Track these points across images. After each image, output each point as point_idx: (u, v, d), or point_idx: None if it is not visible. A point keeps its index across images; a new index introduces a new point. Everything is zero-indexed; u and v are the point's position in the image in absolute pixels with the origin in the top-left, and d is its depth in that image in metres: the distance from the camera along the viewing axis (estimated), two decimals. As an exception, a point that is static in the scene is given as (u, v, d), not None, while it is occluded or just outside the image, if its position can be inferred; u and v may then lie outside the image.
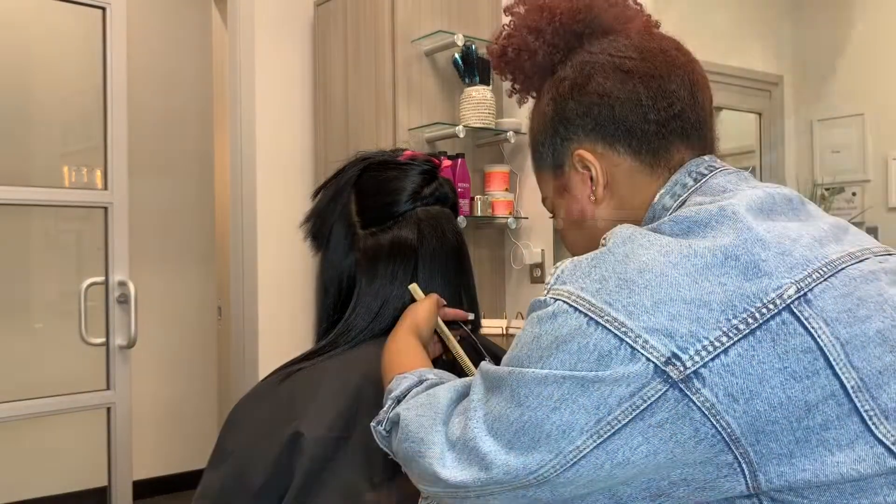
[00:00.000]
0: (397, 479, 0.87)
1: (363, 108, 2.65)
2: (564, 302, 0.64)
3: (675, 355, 0.59)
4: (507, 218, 2.60)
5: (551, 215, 0.87)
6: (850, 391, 0.60)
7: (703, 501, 0.62)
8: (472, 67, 2.54)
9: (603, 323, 0.61)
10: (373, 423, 0.81)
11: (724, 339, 0.59)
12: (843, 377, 0.60)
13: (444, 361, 1.02)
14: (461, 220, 2.40)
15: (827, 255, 0.64)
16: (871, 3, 2.45)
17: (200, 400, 4.32)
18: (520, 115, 2.57)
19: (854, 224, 0.74)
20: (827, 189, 2.46)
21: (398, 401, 0.80)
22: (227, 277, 3.30)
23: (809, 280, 0.62)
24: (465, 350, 1.00)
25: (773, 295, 0.60)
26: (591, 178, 0.79)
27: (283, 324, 2.86)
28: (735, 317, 0.60)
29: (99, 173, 2.72)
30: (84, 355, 2.84)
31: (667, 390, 0.59)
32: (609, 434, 0.61)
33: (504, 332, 2.42)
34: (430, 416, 0.73)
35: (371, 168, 1.06)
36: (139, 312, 2.70)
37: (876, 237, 0.73)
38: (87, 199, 2.90)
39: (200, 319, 4.33)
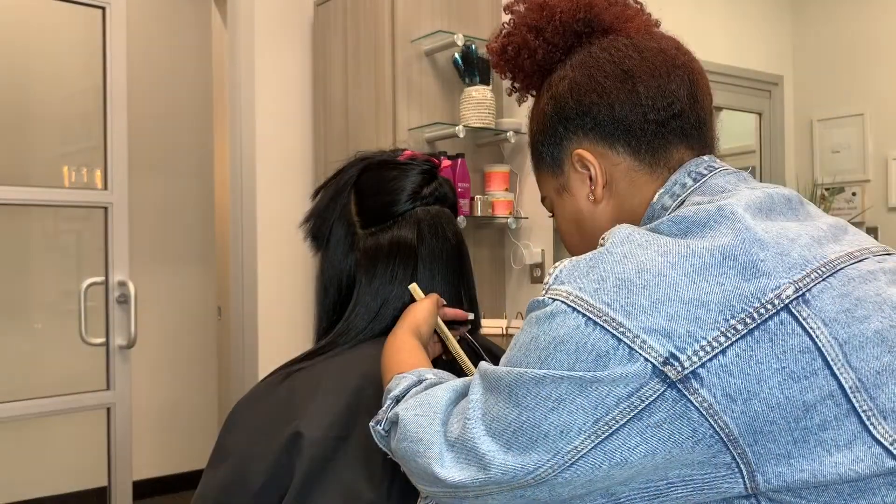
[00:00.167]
0: (397, 479, 0.87)
1: (363, 108, 2.65)
2: (562, 302, 0.64)
3: (672, 355, 0.59)
4: (507, 218, 2.60)
5: (550, 215, 0.87)
6: (849, 391, 0.59)
7: (701, 502, 0.62)
8: (472, 67, 2.54)
9: (601, 323, 0.61)
10: (372, 423, 0.81)
11: (722, 339, 0.59)
12: (841, 377, 0.60)
13: (444, 361, 1.02)
14: (461, 220, 2.40)
15: (825, 256, 0.64)
16: (871, 3, 2.45)
17: (200, 400, 4.32)
18: (520, 116, 2.57)
19: (854, 224, 0.74)
20: (827, 189, 2.46)
21: (397, 400, 0.80)
22: (227, 277, 3.30)
23: (808, 280, 0.62)
24: (464, 350, 1.00)
25: (771, 295, 0.60)
26: (591, 178, 0.79)
27: (283, 324, 2.87)
28: (733, 317, 0.60)
29: (99, 173, 2.72)
30: (84, 355, 2.84)
31: (665, 390, 0.59)
32: (607, 434, 0.61)
33: (504, 332, 2.42)
34: (428, 415, 0.73)
35: (371, 168, 1.06)
36: (139, 312, 2.70)
37: (876, 237, 0.73)
38: (86, 199, 2.90)
39: (200, 319, 4.34)
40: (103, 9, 2.64)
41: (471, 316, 1.05)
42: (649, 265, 0.63)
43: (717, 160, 0.78)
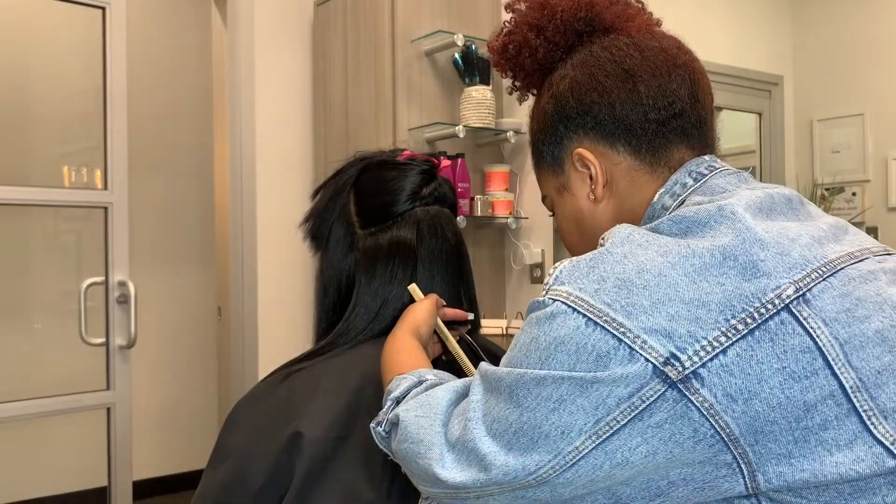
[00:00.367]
0: (397, 479, 0.87)
1: (363, 108, 2.65)
2: (563, 303, 0.63)
3: (673, 356, 0.59)
4: (507, 218, 2.60)
5: (551, 214, 0.87)
6: (849, 391, 0.59)
7: (702, 501, 0.62)
8: (472, 67, 2.54)
9: (601, 323, 0.61)
10: (372, 424, 0.81)
11: (723, 339, 0.59)
12: (841, 377, 0.60)
13: (444, 362, 1.02)
14: (461, 220, 2.40)
15: (826, 255, 0.64)
16: (871, 3, 2.45)
17: (200, 400, 4.32)
18: (520, 116, 2.57)
19: (854, 224, 0.73)
20: (827, 189, 2.46)
21: (398, 402, 0.80)
22: (227, 277, 3.30)
23: (808, 280, 0.62)
24: (464, 350, 1.00)
25: (771, 295, 0.60)
26: (591, 177, 0.79)
27: (283, 324, 2.87)
28: (734, 317, 0.60)
29: (99, 173, 2.72)
30: (84, 355, 2.84)
31: (665, 391, 0.59)
32: (608, 435, 0.61)
33: (504, 333, 2.42)
34: (429, 417, 0.73)
35: (370, 168, 1.06)
36: (139, 312, 2.70)
37: (876, 237, 0.73)
38: (86, 199, 2.90)
39: (200, 319, 4.34)
40: (103, 9, 2.64)
41: (471, 316, 1.05)
42: (650, 265, 0.63)
43: (718, 160, 0.78)
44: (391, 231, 1.02)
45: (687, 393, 0.59)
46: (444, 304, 1.01)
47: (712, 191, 0.73)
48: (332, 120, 2.82)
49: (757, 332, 0.59)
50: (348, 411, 0.91)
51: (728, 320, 0.60)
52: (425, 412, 0.74)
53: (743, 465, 0.60)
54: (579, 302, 0.63)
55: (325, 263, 1.05)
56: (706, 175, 0.75)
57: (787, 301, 0.60)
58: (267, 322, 2.86)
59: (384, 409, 0.81)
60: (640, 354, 0.60)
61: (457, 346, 0.99)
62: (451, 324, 1.02)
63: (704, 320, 0.60)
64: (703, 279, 0.61)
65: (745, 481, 0.60)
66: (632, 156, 0.77)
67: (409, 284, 0.99)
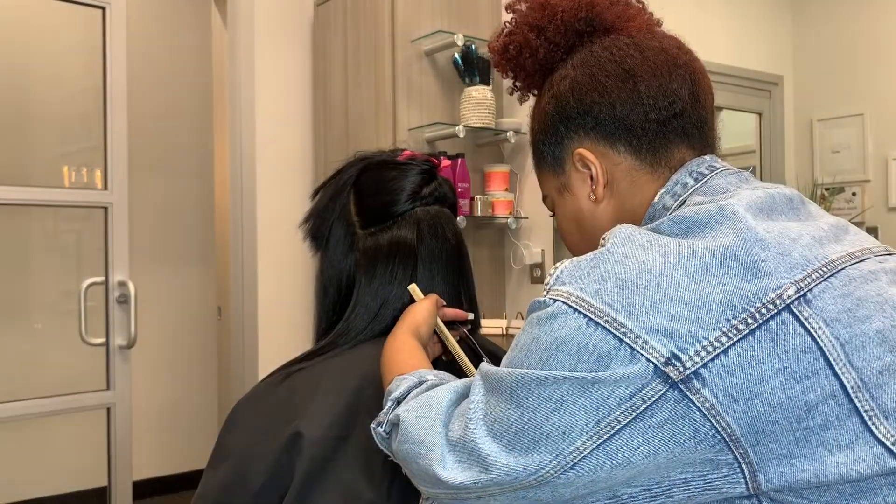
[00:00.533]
0: (397, 479, 0.87)
1: (363, 108, 2.65)
2: (563, 303, 0.63)
3: (674, 356, 0.59)
4: (507, 218, 2.60)
5: (551, 214, 0.87)
6: (850, 391, 0.59)
7: (703, 501, 0.62)
8: (472, 67, 2.54)
9: (602, 324, 0.61)
10: (373, 425, 0.81)
11: (724, 339, 0.59)
12: (842, 377, 0.59)
13: (444, 362, 1.02)
14: (461, 220, 2.40)
15: (827, 256, 0.64)
16: (871, 3, 2.45)
17: (200, 400, 4.32)
18: (520, 116, 2.57)
19: (854, 224, 0.73)
20: (827, 189, 2.46)
21: (398, 402, 0.80)
22: (227, 277, 3.30)
23: (809, 280, 0.62)
24: (464, 350, 1.00)
25: (772, 295, 0.60)
26: (592, 178, 0.79)
27: (283, 324, 2.87)
28: (735, 317, 0.60)
29: (99, 173, 2.72)
30: (84, 355, 2.84)
31: (667, 391, 0.59)
32: (609, 435, 0.61)
33: (504, 333, 2.42)
34: (430, 417, 0.73)
35: (370, 168, 1.06)
36: (139, 312, 2.70)
37: (876, 237, 0.73)
38: (87, 199, 2.90)
39: (200, 319, 4.34)
40: (103, 9, 2.64)
41: (471, 316, 1.05)
42: (650, 265, 0.63)
43: (719, 160, 0.78)
44: (391, 231, 1.02)
45: (688, 393, 0.59)
46: (445, 304, 1.01)
47: (713, 191, 0.73)
48: (332, 120, 2.82)
49: (758, 333, 0.59)
50: (348, 411, 0.91)
51: (729, 320, 0.60)
52: (426, 413, 0.74)
53: (744, 466, 0.60)
54: (580, 302, 0.63)
55: (325, 263, 1.05)
56: (707, 175, 0.75)
57: (789, 301, 0.60)
58: (267, 322, 2.86)
59: (385, 410, 0.81)
60: (642, 355, 0.60)
61: (457, 347, 0.99)
62: (451, 324, 1.02)
63: (705, 320, 0.60)
64: (705, 279, 0.61)
65: (747, 481, 0.60)
66: (632, 156, 0.77)
67: (409, 284, 0.99)
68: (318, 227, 1.06)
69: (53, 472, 3.82)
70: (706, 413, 0.59)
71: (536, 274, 2.64)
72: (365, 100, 2.64)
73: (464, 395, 0.74)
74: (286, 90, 2.92)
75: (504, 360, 0.69)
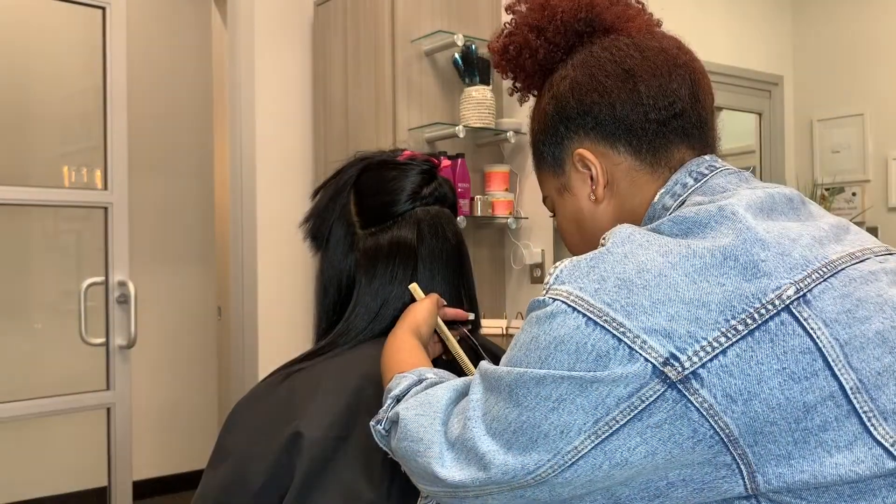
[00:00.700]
0: (397, 479, 0.87)
1: (363, 108, 2.65)
2: (563, 302, 0.63)
3: (673, 356, 0.59)
4: (507, 218, 2.60)
5: (552, 214, 0.87)
6: (849, 392, 0.59)
7: (701, 502, 0.62)
8: (472, 67, 2.54)
9: (601, 323, 0.61)
10: (372, 422, 0.81)
11: (723, 339, 0.59)
12: (841, 378, 0.59)
13: (444, 361, 1.02)
14: (461, 220, 2.40)
15: (827, 256, 0.64)
16: (871, 3, 2.45)
17: (200, 400, 4.32)
18: (520, 116, 2.57)
19: (854, 224, 0.73)
20: (827, 189, 2.46)
21: (398, 400, 0.80)
22: (227, 277, 3.30)
23: (809, 280, 0.62)
24: (464, 350, 1.00)
25: (772, 295, 0.60)
26: (592, 178, 0.79)
27: (283, 324, 2.87)
28: (734, 317, 0.60)
29: (99, 173, 2.72)
30: (84, 355, 2.84)
31: (665, 391, 0.59)
32: (607, 434, 0.61)
33: (504, 332, 2.42)
34: (429, 415, 0.73)
35: (370, 168, 1.06)
36: (139, 312, 2.70)
37: (876, 237, 0.73)
38: (87, 199, 2.90)
39: (200, 319, 4.34)
40: (103, 9, 2.64)
41: (471, 316, 1.05)
42: (650, 265, 0.63)
43: (719, 160, 0.78)
44: (391, 231, 1.02)
45: (686, 393, 0.59)
46: (445, 303, 1.01)
47: (713, 191, 0.73)
48: (332, 120, 2.82)
49: (757, 333, 0.59)
50: (348, 411, 0.91)
51: (728, 321, 0.60)
52: (425, 411, 0.74)
53: (742, 466, 0.60)
54: (579, 301, 0.63)
55: (325, 263, 1.05)
56: (707, 175, 0.75)
57: (788, 302, 0.60)
58: (267, 322, 2.86)
59: (384, 408, 0.81)
60: (640, 354, 0.60)
61: (457, 346, 0.99)
62: (451, 323, 1.02)
63: (704, 321, 0.60)
64: (704, 279, 0.61)
65: (745, 482, 0.60)
66: (632, 156, 0.77)
67: (409, 284, 0.99)
68: (319, 227, 1.06)
69: (53, 472, 3.82)
70: (704, 413, 0.59)
71: (536, 274, 2.64)
72: (365, 100, 2.64)
73: (463, 393, 0.74)
74: (286, 90, 2.92)
75: (503, 359, 0.69)
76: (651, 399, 0.59)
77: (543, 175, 0.86)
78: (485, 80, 2.55)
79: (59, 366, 3.47)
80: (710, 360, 0.59)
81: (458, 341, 1.01)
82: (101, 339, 2.69)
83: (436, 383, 0.80)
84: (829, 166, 2.48)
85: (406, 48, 2.53)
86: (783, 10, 2.64)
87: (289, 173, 2.91)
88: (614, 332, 0.61)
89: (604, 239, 0.68)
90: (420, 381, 0.81)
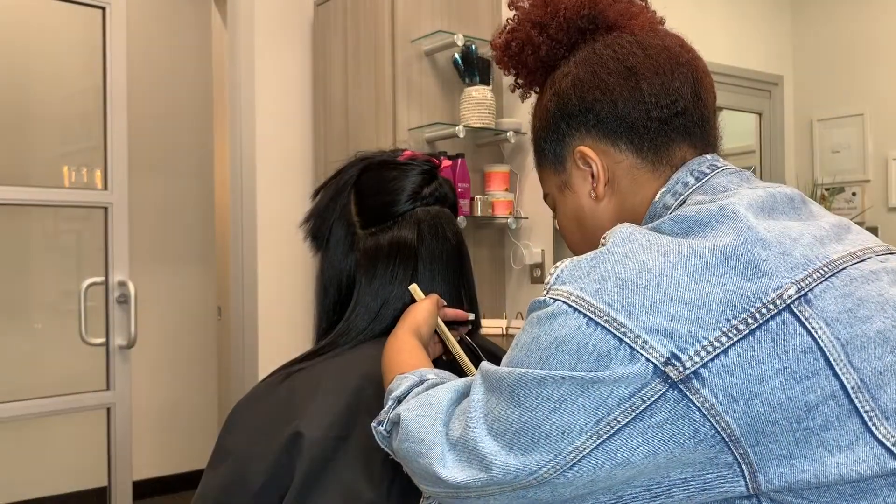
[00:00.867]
0: (397, 479, 0.87)
1: (363, 108, 2.65)
2: (563, 302, 0.63)
3: (674, 356, 0.59)
4: (507, 218, 2.60)
5: (553, 212, 0.87)
6: (851, 392, 0.59)
7: (702, 502, 0.62)
8: (472, 67, 2.54)
9: (602, 323, 0.61)
10: (373, 424, 0.81)
11: (724, 339, 0.59)
12: (843, 378, 0.59)
13: (444, 362, 1.02)
14: (461, 220, 2.40)
15: (828, 255, 0.64)
16: (871, 3, 2.45)
17: (200, 400, 4.32)
18: (520, 116, 2.57)
19: (855, 224, 0.73)
20: (827, 189, 2.46)
21: (399, 401, 0.80)
22: (227, 277, 3.30)
23: (810, 280, 0.62)
24: (464, 350, 1.00)
25: (773, 295, 0.60)
26: (593, 175, 0.79)
27: (283, 324, 2.86)
28: (735, 317, 0.59)
29: (99, 173, 2.72)
30: (84, 355, 2.84)
31: (666, 391, 0.59)
32: (609, 434, 0.60)
33: (504, 333, 2.42)
34: (430, 416, 0.73)
35: (371, 168, 1.05)
36: (139, 312, 2.70)
37: (876, 237, 0.73)
38: (86, 199, 2.90)
39: (200, 319, 4.33)
40: (103, 9, 2.63)
41: (471, 316, 1.05)
42: (651, 265, 0.63)
43: (720, 159, 0.78)
44: (392, 231, 1.02)
45: (688, 393, 0.59)
46: (445, 303, 1.01)
47: (714, 190, 0.73)
48: (332, 120, 2.82)
49: (758, 333, 0.59)
50: (348, 411, 0.90)
51: (729, 320, 0.59)
52: (426, 411, 0.74)
53: (744, 466, 0.60)
54: (580, 302, 0.63)
55: (325, 263, 1.05)
56: (708, 174, 0.75)
57: (789, 301, 0.60)
58: (267, 322, 2.86)
59: (385, 409, 0.81)
60: (641, 354, 0.60)
61: (457, 346, 0.99)
62: (451, 324, 1.02)
63: (705, 320, 0.60)
64: (705, 279, 0.61)
65: (746, 482, 0.60)
66: (634, 154, 0.77)
67: (409, 284, 0.99)
68: (319, 227, 1.06)
69: (53, 472, 3.82)
70: (706, 413, 0.59)
71: (536, 274, 2.64)
72: (365, 100, 2.64)
73: (464, 394, 0.74)
74: (286, 90, 2.92)
75: (504, 360, 0.68)
76: (652, 399, 0.59)
77: (544, 172, 0.85)
78: (485, 80, 2.55)
79: (59, 366, 3.47)
80: (712, 359, 0.59)
81: (458, 342, 1.01)
82: (101, 339, 2.69)
83: (437, 384, 0.79)
84: (829, 166, 2.49)
85: (406, 48, 2.53)
86: (783, 9, 2.64)
87: (289, 173, 2.91)
88: (615, 332, 0.61)
89: (604, 238, 0.68)
90: (421, 382, 0.81)
